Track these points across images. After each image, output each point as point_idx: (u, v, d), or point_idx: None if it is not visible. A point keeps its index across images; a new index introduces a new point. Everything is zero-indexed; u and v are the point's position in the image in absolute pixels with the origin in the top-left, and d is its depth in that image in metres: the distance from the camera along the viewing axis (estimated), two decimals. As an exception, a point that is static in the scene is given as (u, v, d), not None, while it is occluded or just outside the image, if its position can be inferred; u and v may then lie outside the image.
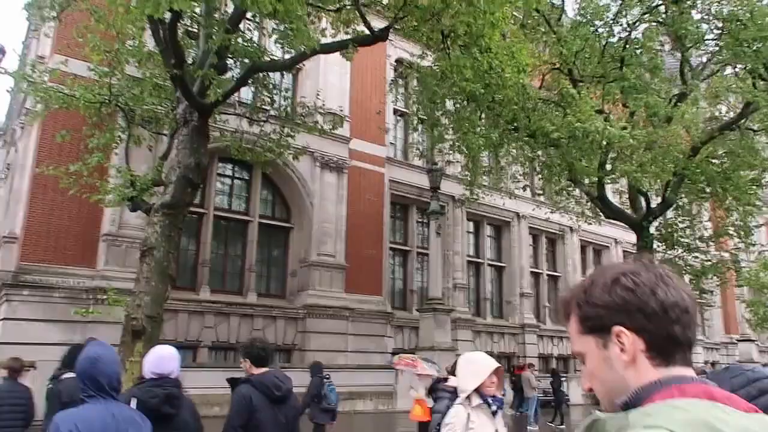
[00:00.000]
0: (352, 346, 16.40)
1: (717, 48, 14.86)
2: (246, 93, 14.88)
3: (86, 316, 10.04)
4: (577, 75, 13.40)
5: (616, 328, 0.99)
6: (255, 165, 16.21)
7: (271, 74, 12.48)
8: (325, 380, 8.43)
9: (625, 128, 9.98)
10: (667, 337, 0.98)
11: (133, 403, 3.07)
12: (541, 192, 22.03)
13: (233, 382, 3.80)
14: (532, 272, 23.78)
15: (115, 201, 9.29)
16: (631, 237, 29.13)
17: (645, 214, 14.21)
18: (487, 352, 4.21)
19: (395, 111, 20.84)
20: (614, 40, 13.64)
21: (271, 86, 12.61)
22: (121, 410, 2.67)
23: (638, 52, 13.56)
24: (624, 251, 28.71)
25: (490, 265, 22.73)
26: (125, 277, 11.73)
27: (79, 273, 12.66)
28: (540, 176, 16.39)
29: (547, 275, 24.87)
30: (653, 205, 14.92)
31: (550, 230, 24.97)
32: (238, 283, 15.89)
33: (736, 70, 15.37)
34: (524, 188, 22.43)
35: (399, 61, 20.82)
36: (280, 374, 3.83)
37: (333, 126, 13.71)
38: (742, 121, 13.92)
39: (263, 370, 3.78)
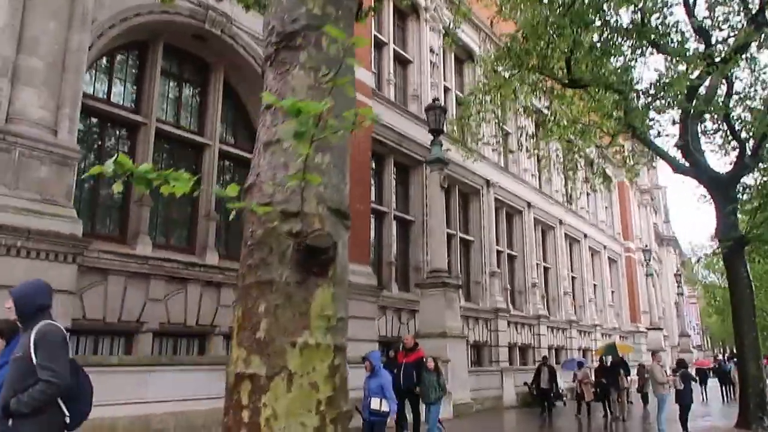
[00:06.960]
0: (342, 333, 11.73)
1: None
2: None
3: None
4: None
5: None
6: (215, 66, 11.00)
7: None
8: None
9: None
10: None
11: None
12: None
13: None
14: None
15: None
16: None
17: (735, 168, 11.43)
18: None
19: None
20: None
21: None
22: None
23: None
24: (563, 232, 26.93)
25: (460, 238, 19.12)
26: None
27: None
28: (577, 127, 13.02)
29: (507, 254, 21.89)
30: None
31: (512, 203, 22.08)
32: (187, 235, 10.49)
33: None
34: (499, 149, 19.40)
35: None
36: None
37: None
38: None
39: None
